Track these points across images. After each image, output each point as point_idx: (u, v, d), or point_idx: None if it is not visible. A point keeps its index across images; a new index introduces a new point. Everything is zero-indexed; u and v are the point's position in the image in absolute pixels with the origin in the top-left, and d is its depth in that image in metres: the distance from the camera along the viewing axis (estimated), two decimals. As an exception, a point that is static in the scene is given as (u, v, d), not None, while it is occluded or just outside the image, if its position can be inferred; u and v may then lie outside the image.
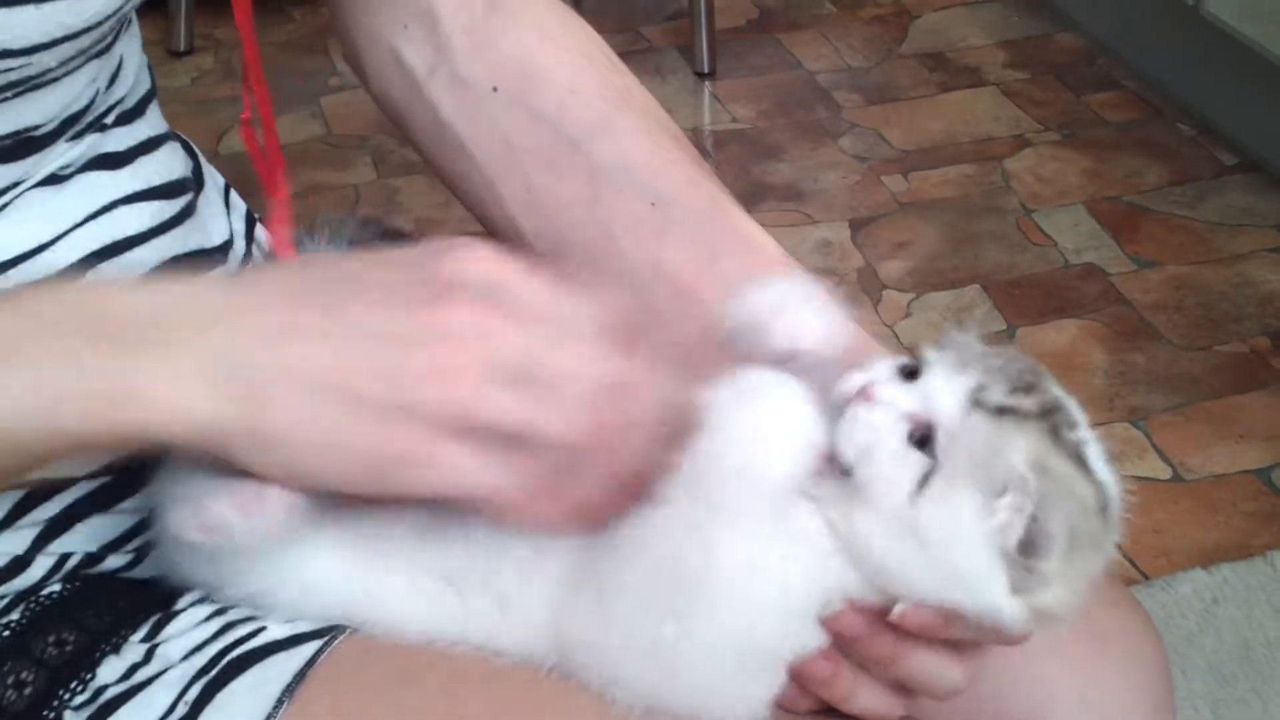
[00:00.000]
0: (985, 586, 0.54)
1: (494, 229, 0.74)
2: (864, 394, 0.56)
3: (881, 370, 0.57)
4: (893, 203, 2.09)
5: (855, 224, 2.05)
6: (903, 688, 0.58)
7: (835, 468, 0.56)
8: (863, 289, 1.91)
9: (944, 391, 0.55)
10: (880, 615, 0.56)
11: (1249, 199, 2.06)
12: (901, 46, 2.50)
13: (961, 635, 0.57)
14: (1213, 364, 1.77)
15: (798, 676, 0.57)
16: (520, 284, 0.55)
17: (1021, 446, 0.54)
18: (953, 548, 0.54)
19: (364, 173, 2.19)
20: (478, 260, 0.55)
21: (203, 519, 0.56)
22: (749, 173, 2.17)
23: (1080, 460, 0.55)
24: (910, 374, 0.57)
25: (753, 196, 2.09)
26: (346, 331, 0.54)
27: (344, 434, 0.54)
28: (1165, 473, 1.62)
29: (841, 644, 0.57)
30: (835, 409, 0.56)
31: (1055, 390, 0.57)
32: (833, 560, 0.56)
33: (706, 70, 2.41)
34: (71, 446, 0.55)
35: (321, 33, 2.51)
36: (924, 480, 0.54)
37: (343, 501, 0.58)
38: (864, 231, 2.04)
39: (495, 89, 0.72)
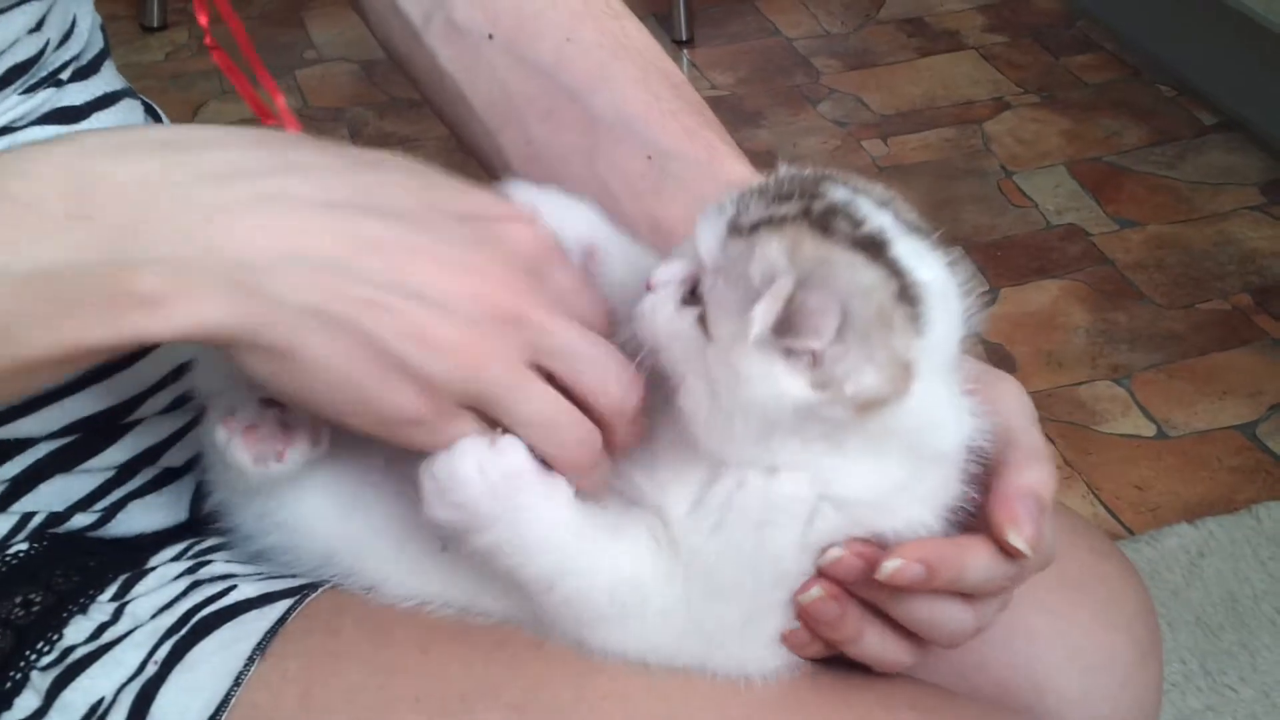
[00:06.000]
0: (780, 389, 0.52)
1: (496, 179, 0.73)
2: (647, 287, 0.55)
3: (678, 249, 0.56)
4: (873, 167, 2.08)
5: (836, 189, 2.04)
6: (914, 635, 0.57)
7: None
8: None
9: (705, 235, 0.54)
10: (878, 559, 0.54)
11: (1229, 158, 2.06)
12: (879, 12, 2.48)
13: (955, 584, 0.55)
14: (1195, 322, 1.77)
15: (806, 617, 0.56)
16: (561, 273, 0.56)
17: (774, 244, 0.52)
18: (739, 365, 0.52)
19: (341, 146, 2.17)
20: (527, 233, 0.56)
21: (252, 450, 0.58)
22: (728, 140, 2.15)
23: (870, 249, 0.53)
24: None
25: (732, 163, 2.08)
26: (369, 247, 0.51)
27: (355, 366, 0.51)
28: (1149, 430, 1.61)
29: (846, 587, 0.56)
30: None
31: (839, 191, 0.55)
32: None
33: (685, 38, 2.40)
34: (68, 353, 0.49)
35: (295, 6, 2.48)
36: (701, 324, 0.53)
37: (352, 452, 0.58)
38: (844, 196, 2.03)
39: (491, 36, 0.71)
